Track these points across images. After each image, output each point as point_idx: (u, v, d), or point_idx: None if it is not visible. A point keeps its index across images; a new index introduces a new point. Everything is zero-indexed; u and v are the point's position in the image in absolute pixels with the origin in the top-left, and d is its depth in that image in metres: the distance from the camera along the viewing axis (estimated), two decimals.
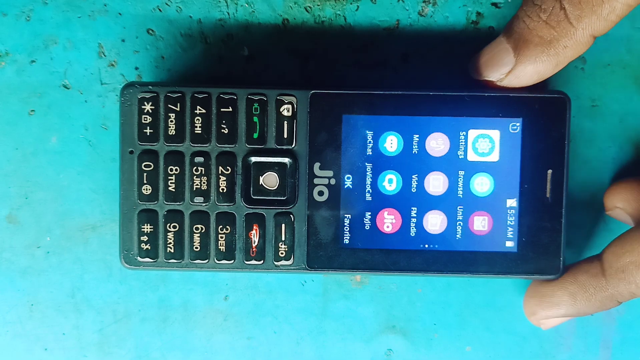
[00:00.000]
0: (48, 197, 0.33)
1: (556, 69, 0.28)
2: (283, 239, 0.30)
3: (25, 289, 0.33)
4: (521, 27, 0.28)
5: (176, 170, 0.30)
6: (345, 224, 0.30)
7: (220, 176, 0.30)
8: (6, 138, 0.33)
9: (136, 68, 0.32)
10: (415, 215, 0.30)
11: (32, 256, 0.33)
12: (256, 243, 0.30)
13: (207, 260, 0.30)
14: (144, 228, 0.30)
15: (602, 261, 0.29)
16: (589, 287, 0.29)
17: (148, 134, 0.30)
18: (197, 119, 0.30)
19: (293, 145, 0.30)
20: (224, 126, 0.30)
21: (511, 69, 0.28)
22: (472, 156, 0.30)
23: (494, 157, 0.30)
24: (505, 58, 0.28)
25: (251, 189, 0.30)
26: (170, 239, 0.30)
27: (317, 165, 0.30)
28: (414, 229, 0.30)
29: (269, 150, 0.30)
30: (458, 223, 0.30)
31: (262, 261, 0.30)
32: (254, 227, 0.30)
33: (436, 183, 0.30)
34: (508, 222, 0.30)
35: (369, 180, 0.30)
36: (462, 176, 0.30)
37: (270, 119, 0.30)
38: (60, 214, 0.33)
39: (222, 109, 0.30)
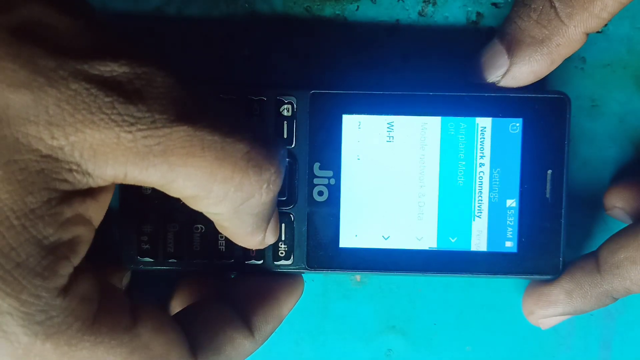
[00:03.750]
0: None
1: (552, 67, 0.28)
2: (283, 238, 0.30)
3: None
4: (513, 28, 0.28)
5: None
6: (345, 223, 0.30)
7: None
8: None
9: None
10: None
11: None
12: None
13: (206, 260, 0.30)
14: (144, 228, 0.30)
15: (598, 257, 0.29)
16: (585, 283, 0.29)
17: None
18: None
19: (293, 146, 0.30)
20: None
21: (507, 70, 0.28)
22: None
23: (494, 157, 0.30)
24: (500, 60, 0.28)
25: None
26: (170, 239, 0.30)
27: (317, 165, 0.30)
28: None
29: None
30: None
31: (261, 261, 0.30)
32: None
33: None
34: (508, 222, 0.30)
35: None
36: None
37: (270, 119, 0.30)
38: None
39: None
